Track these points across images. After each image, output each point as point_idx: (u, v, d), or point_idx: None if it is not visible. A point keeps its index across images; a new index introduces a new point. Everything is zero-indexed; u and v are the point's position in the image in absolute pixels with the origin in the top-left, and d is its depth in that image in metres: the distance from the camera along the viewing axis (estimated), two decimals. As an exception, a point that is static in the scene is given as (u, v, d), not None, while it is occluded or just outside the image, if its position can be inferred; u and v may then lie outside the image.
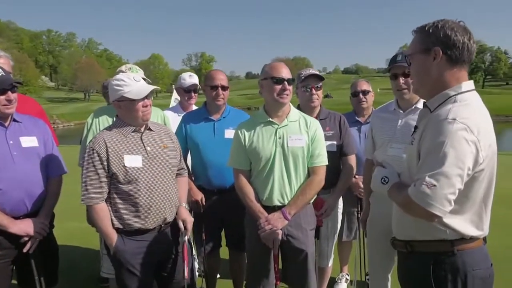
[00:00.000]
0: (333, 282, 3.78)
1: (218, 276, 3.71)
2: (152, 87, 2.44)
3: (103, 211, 2.35)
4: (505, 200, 5.81)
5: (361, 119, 3.65)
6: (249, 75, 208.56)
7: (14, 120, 2.49)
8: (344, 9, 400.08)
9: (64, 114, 43.84)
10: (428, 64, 1.66)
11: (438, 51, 1.62)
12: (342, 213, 3.32)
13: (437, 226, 1.61)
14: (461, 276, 1.61)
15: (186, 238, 2.55)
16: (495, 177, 1.66)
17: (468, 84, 1.65)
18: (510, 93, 59.01)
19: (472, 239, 1.64)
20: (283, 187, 2.53)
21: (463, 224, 1.61)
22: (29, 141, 2.53)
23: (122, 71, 2.87)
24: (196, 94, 3.84)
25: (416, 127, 1.80)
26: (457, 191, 1.49)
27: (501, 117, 34.45)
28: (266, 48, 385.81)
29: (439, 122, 1.53)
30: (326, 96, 58.45)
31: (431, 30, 1.64)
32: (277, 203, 2.53)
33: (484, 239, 1.70)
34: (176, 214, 2.56)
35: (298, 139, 2.54)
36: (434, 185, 1.46)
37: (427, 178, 1.47)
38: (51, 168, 2.62)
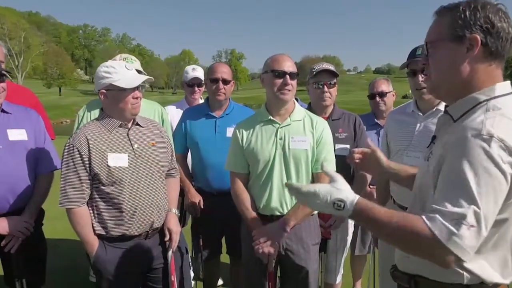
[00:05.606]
0: (344, 297, 3.46)
1: (221, 283, 3.50)
2: (144, 77, 2.20)
3: (84, 215, 2.14)
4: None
5: (380, 122, 3.30)
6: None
7: (3, 111, 2.33)
8: (376, 8, 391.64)
9: (96, 107, 45.24)
10: (459, 56, 1.26)
11: (476, 40, 1.22)
12: (354, 225, 2.99)
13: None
14: None
15: (171, 251, 2.31)
16: None
17: (504, 86, 1.27)
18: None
19: (495, 285, 1.28)
20: (283, 194, 2.24)
21: (486, 268, 1.25)
22: (17, 134, 2.36)
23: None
24: (200, 89, 3.60)
25: (434, 137, 1.42)
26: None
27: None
28: (296, 46, 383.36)
29: (470, 138, 1.14)
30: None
31: (467, 12, 1.24)
32: (275, 212, 2.25)
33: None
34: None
35: (301, 140, 2.24)
36: (474, 226, 1.09)
37: (468, 218, 1.09)
38: (41, 164, 2.46)
